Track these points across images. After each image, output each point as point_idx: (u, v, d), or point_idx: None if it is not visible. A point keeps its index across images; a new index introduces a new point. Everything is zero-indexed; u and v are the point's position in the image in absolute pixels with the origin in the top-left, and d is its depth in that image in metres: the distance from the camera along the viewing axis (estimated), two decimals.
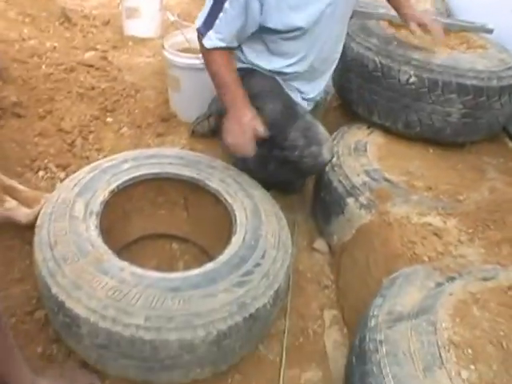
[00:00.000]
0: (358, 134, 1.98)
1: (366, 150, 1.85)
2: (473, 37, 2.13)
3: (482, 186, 1.77)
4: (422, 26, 1.86)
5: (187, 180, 1.70)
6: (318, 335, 1.67)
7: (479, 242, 1.53)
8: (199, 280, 1.35)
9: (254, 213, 1.57)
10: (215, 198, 1.66)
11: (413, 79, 1.78)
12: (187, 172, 1.69)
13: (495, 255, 1.49)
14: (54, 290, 1.30)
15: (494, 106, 1.81)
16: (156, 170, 1.69)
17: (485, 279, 1.40)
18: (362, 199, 1.67)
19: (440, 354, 1.17)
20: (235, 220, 1.55)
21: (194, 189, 1.72)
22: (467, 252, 1.50)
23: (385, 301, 1.33)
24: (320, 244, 1.94)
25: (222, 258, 1.42)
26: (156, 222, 1.83)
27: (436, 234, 1.53)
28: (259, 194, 1.66)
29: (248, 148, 1.59)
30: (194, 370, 1.35)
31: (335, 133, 2.02)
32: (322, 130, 1.71)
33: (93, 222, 1.45)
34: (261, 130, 1.58)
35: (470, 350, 1.20)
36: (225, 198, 1.62)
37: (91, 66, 2.88)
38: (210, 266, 1.40)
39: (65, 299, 1.28)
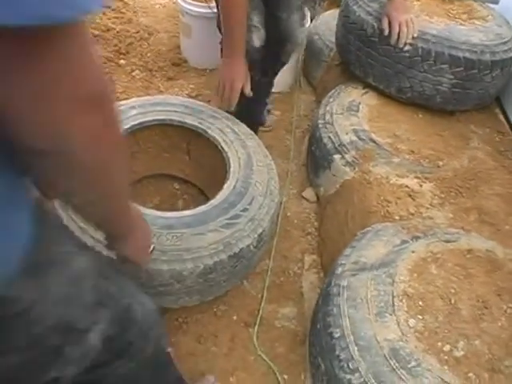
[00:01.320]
0: (352, 94, 2.02)
1: (358, 110, 1.90)
2: (477, 7, 2.11)
3: (464, 154, 1.82)
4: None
5: (190, 128, 1.76)
6: (297, 276, 1.79)
7: (449, 206, 1.61)
8: (191, 220, 1.45)
9: (247, 162, 1.64)
10: (214, 146, 1.73)
11: (407, 47, 1.79)
12: (190, 120, 1.76)
13: (462, 221, 1.57)
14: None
15: (484, 79, 1.84)
16: (161, 116, 1.76)
17: (447, 241, 1.50)
18: (348, 157, 1.74)
19: (393, 302, 1.29)
20: (229, 167, 1.63)
21: (195, 136, 1.79)
22: (436, 215, 1.58)
23: (353, 252, 1.44)
24: (309, 193, 2.03)
25: (214, 201, 1.51)
26: (160, 163, 1.92)
27: (410, 196, 1.61)
28: (254, 144, 1.73)
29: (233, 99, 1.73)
30: (183, 298, 1.47)
31: (333, 90, 2.07)
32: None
33: None
34: (247, 91, 1.70)
35: (420, 302, 1.32)
36: (222, 147, 1.69)
37: (107, 6, 2.85)
38: (201, 208, 1.49)
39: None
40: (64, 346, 0.70)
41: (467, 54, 1.77)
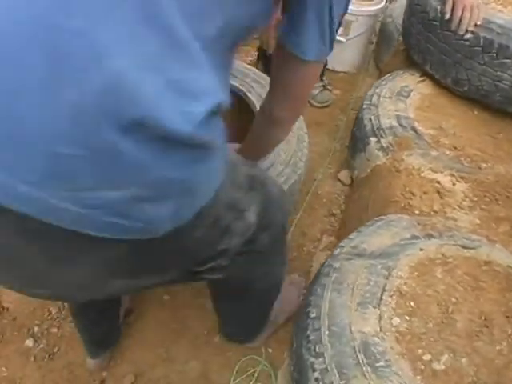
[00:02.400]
0: (407, 80, 1.84)
1: (407, 97, 1.73)
2: None
3: None
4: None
5: (231, 89, 1.70)
6: (310, 255, 1.70)
7: (479, 212, 1.42)
8: None
9: None
10: (251, 111, 1.65)
11: (468, 35, 1.59)
12: (233, 81, 1.69)
13: (489, 229, 1.39)
14: None
15: None
16: None
17: (464, 247, 1.33)
18: (384, 142, 1.59)
19: (381, 296, 1.16)
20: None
21: (235, 97, 1.72)
22: (461, 218, 1.41)
23: (357, 236, 1.32)
24: (343, 175, 1.91)
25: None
26: None
27: (439, 192, 1.44)
28: None
29: None
30: None
31: (389, 74, 1.90)
32: None
33: None
34: None
35: (412, 303, 1.17)
36: (246, 95, 1.63)
37: None
38: None
39: None
40: (231, 223, 0.85)
41: (490, 35, 1.55)
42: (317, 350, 1.08)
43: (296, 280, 1.56)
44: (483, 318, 1.19)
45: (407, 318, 1.14)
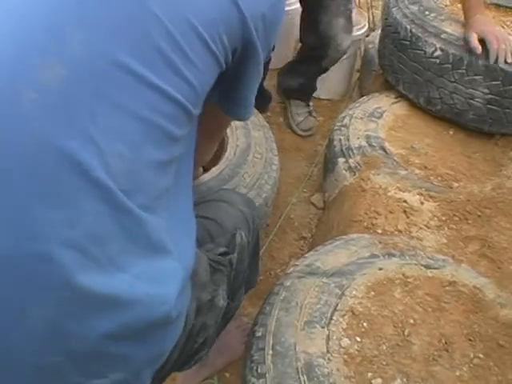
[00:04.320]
0: (382, 102, 1.84)
1: (380, 117, 1.73)
2: None
3: (490, 180, 1.57)
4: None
5: None
6: (277, 278, 1.66)
7: (447, 231, 1.38)
8: None
9: (243, 152, 1.55)
10: None
11: (438, 53, 1.60)
12: None
13: (456, 249, 1.35)
14: None
15: None
16: None
17: (427, 267, 1.29)
18: (352, 162, 1.57)
19: (331, 316, 1.12)
20: (224, 153, 1.54)
21: None
22: (427, 237, 1.37)
23: (312, 255, 1.29)
24: (316, 198, 1.89)
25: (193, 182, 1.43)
26: None
27: (405, 212, 1.41)
28: (259, 136, 1.63)
29: None
30: None
31: (364, 97, 1.91)
32: None
33: None
34: None
35: (365, 324, 1.13)
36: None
37: None
38: None
39: None
40: (204, 321, 0.91)
41: (507, 67, 1.54)
42: (259, 371, 1.04)
43: (242, 323, 1.51)
44: (443, 341, 1.14)
45: (358, 339, 1.09)
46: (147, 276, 0.64)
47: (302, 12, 2.00)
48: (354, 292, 1.17)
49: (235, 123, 1.60)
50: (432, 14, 1.74)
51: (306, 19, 1.98)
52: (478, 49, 1.59)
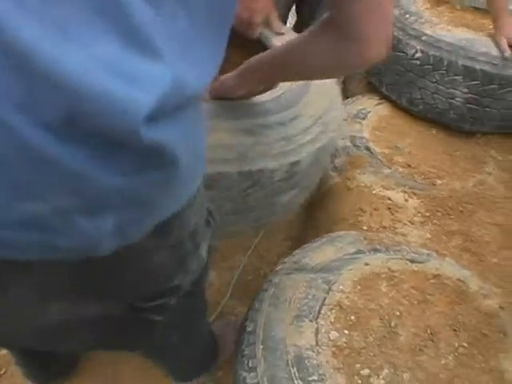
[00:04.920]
0: (365, 103, 1.89)
1: (364, 119, 1.78)
2: None
3: (472, 177, 1.63)
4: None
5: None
6: (266, 278, 1.69)
7: (431, 226, 1.43)
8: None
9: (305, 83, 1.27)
10: None
11: (418, 54, 1.66)
12: None
13: (439, 243, 1.39)
14: None
15: (507, 97, 1.64)
16: None
17: (412, 261, 1.33)
18: (337, 162, 1.62)
19: (320, 310, 1.15)
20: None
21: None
22: (411, 233, 1.41)
23: (300, 253, 1.33)
24: None
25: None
26: None
27: (389, 209, 1.46)
28: None
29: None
30: None
31: (349, 99, 1.96)
32: None
33: None
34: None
35: (353, 317, 1.17)
36: None
37: None
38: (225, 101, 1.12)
39: None
40: (188, 255, 0.77)
41: (486, 67, 1.60)
42: (250, 365, 1.07)
43: (231, 322, 1.54)
44: (429, 331, 1.18)
45: (346, 332, 1.13)
46: (115, 68, 0.45)
47: (297, 21, 2.04)
48: (341, 287, 1.21)
49: None
50: (412, 17, 1.80)
51: (301, 28, 2.02)
52: (507, 51, 1.65)
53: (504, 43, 1.68)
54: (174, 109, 0.52)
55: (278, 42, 1.35)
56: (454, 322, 1.21)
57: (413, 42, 1.70)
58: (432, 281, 1.28)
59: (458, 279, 1.29)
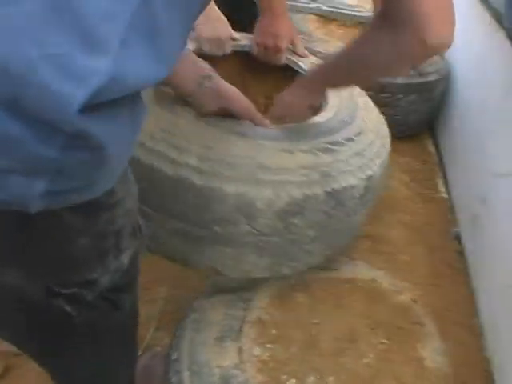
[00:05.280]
0: None
1: None
2: None
3: None
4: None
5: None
6: None
7: None
8: (277, 134, 1.08)
9: (349, 99, 1.30)
10: None
11: None
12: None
13: (351, 248, 1.46)
14: None
15: (399, 104, 1.77)
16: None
17: (324, 269, 1.39)
18: None
19: (241, 328, 1.18)
20: (326, 102, 1.24)
21: (281, 74, 1.46)
22: None
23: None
24: None
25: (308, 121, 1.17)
26: None
27: None
28: (356, 88, 1.38)
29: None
30: (247, 257, 1.11)
31: None
32: None
33: None
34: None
35: (274, 331, 1.20)
36: None
37: None
38: (291, 125, 1.13)
39: None
40: (109, 251, 0.77)
41: None
42: None
43: (157, 352, 1.45)
44: (348, 334, 1.24)
45: (269, 346, 1.17)
46: (57, 62, 0.50)
47: None
48: (259, 303, 1.24)
49: None
50: (305, 37, 1.88)
51: None
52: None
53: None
54: (111, 101, 0.56)
55: (305, 65, 1.38)
56: (371, 321, 1.27)
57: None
58: (346, 285, 1.34)
59: (371, 280, 1.37)
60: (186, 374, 1.09)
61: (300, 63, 1.40)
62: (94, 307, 0.82)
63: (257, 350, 1.15)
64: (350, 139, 1.15)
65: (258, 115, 1.07)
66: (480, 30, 1.78)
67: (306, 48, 1.67)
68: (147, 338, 1.58)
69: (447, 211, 1.77)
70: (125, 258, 0.82)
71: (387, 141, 1.27)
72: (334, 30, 2.05)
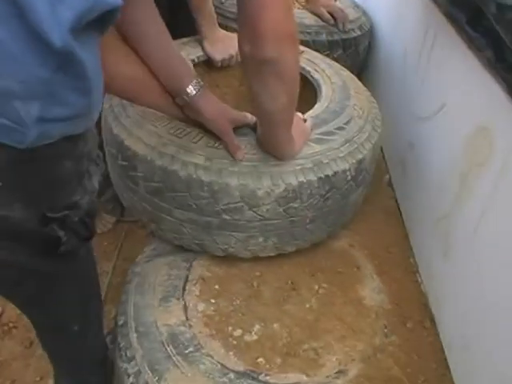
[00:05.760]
0: None
1: None
2: None
3: None
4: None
5: None
6: None
7: None
8: None
9: (342, 88, 1.43)
10: (302, 81, 1.35)
11: None
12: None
13: None
14: (116, 130, 1.21)
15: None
16: None
17: None
18: None
19: (184, 287, 1.21)
20: (320, 92, 1.43)
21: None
22: None
23: (156, 240, 1.36)
24: None
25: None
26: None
27: None
28: (348, 75, 1.54)
29: None
30: (255, 239, 1.21)
31: None
32: None
33: None
34: None
35: (217, 286, 1.25)
36: (311, 75, 1.50)
37: None
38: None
39: (125, 138, 1.18)
40: (85, 175, 0.86)
41: (301, 36, 1.74)
42: (128, 355, 1.10)
43: None
44: (290, 282, 1.30)
45: (213, 301, 1.21)
46: None
47: None
48: (201, 261, 1.28)
49: (320, 66, 1.53)
50: (228, 2, 1.87)
51: None
52: (331, 20, 1.87)
53: (326, 13, 1.87)
54: (89, 27, 0.66)
55: (309, 67, 1.53)
56: (311, 268, 1.33)
57: (232, 24, 1.79)
58: None
59: None
60: (133, 337, 1.12)
61: (305, 66, 1.52)
62: (77, 232, 0.90)
63: (201, 306, 1.19)
64: (340, 128, 1.27)
65: (232, 142, 1.13)
66: None
67: (230, 12, 1.74)
68: None
69: (381, 159, 1.85)
70: (95, 182, 0.91)
71: (378, 123, 1.37)
72: None
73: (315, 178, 1.15)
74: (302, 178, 1.14)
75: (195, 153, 1.13)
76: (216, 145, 1.15)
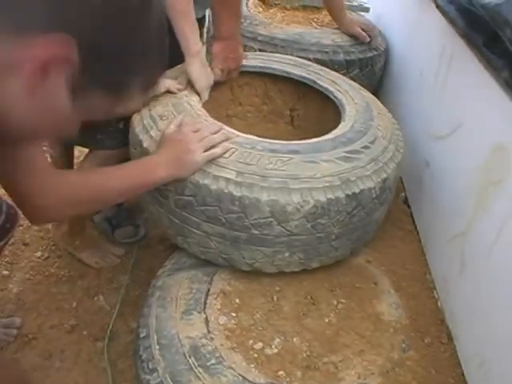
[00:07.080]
0: None
1: None
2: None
3: None
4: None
5: (296, 79, 1.64)
6: None
7: None
8: (301, 148, 1.26)
9: (366, 109, 1.49)
10: (323, 101, 1.61)
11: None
12: (297, 71, 1.65)
13: None
14: (146, 143, 1.27)
15: None
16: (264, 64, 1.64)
17: None
18: None
19: (205, 300, 1.24)
20: (344, 112, 1.48)
21: (302, 90, 1.68)
22: None
23: (178, 253, 1.40)
24: None
25: (327, 136, 1.35)
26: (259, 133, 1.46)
27: None
28: (370, 96, 1.61)
29: None
30: (281, 254, 1.25)
31: None
32: None
33: (196, 97, 1.45)
34: None
35: (237, 300, 1.28)
36: (334, 96, 1.55)
37: None
38: (312, 140, 1.32)
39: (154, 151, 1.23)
40: None
41: (318, 55, 1.81)
42: (150, 367, 1.13)
43: None
44: (309, 297, 1.33)
45: (234, 314, 1.24)
46: None
47: None
48: (222, 275, 1.31)
49: (343, 87, 1.59)
50: (247, 21, 1.98)
51: None
52: (367, 38, 1.97)
53: (362, 32, 1.95)
54: None
55: (319, 80, 1.62)
56: (330, 284, 1.36)
57: (251, 43, 1.88)
58: None
59: None
60: (155, 349, 1.15)
61: (315, 79, 1.61)
62: None
63: (222, 319, 1.22)
64: (366, 147, 1.31)
65: None
66: (411, 5, 1.92)
67: (249, 31, 1.82)
68: (111, 324, 1.63)
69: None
70: None
71: (401, 144, 1.42)
72: (277, 13, 2.14)
73: (343, 195, 1.19)
74: (330, 195, 1.18)
75: (226, 168, 1.17)
76: (248, 160, 1.18)
